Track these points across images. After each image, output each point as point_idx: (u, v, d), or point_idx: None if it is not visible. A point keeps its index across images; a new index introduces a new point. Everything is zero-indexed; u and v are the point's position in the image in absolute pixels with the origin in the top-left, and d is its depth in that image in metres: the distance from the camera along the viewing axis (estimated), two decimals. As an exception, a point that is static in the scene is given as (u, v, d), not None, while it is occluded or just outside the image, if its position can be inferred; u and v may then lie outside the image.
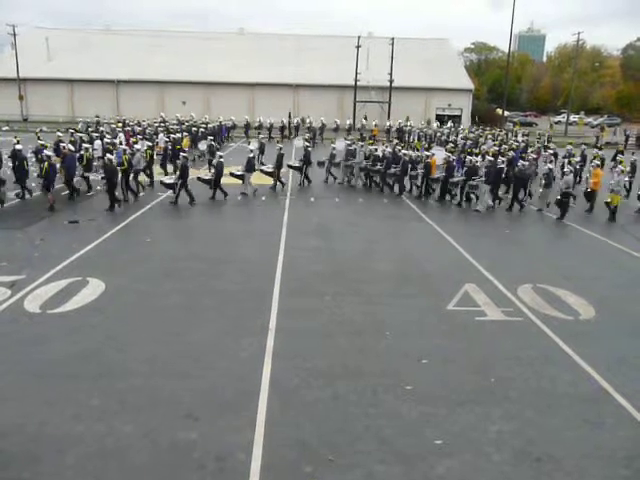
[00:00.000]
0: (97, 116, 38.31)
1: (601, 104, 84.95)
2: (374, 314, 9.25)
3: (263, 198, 19.33)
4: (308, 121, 39.91)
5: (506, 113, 57.02)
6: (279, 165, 20.65)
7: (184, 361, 7.49)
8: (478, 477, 5.41)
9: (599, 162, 20.33)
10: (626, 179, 19.91)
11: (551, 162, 20.70)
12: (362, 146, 23.12)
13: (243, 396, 6.65)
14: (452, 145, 26.66)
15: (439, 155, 20.61)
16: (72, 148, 18.59)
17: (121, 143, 21.32)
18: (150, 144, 21.78)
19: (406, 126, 39.01)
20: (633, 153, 25.10)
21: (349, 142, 23.36)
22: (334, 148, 22.89)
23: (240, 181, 19.65)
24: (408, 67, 52.83)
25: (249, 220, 16.51)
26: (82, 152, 19.17)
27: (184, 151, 20.98)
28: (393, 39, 49.68)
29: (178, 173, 17.78)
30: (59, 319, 8.70)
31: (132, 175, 18.43)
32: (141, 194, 18.93)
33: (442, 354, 7.89)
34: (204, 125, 33.59)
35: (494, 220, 17.28)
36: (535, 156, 22.01)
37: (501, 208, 18.49)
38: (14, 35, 50.76)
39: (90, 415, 6.19)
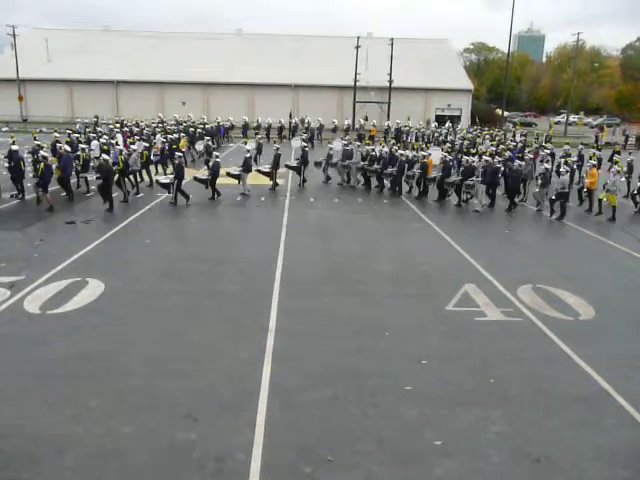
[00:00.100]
0: (96, 116, 38.35)
1: (601, 104, 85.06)
2: (374, 314, 9.25)
3: (262, 198, 19.33)
4: (306, 121, 39.91)
5: (506, 113, 57.01)
6: (276, 165, 20.66)
7: (184, 361, 7.49)
8: (477, 478, 5.41)
9: (595, 162, 20.33)
10: (622, 179, 19.93)
11: (547, 162, 20.71)
12: (359, 146, 23.12)
13: (243, 396, 6.64)
14: (449, 145, 26.67)
15: (435, 155, 20.61)
16: (68, 149, 18.57)
17: (117, 144, 21.29)
18: (147, 145, 21.78)
19: (405, 126, 39.02)
20: (630, 153, 25.13)
21: (346, 142, 23.35)
22: (331, 148, 22.89)
23: (236, 181, 19.65)
24: (408, 67, 52.87)
25: (249, 220, 16.51)
26: (79, 152, 19.16)
27: (180, 151, 21.01)
28: (392, 39, 49.69)
29: (174, 173, 17.82)
30: (59, 320, 8.70)
31: (131, 175, 18.45)
32: (140, 195, 18.94)
33: (442, 354, 7.89)
34: (202, 126, 33.61)
35: (493, 220, 17.29)
36: (532, 156, 22.02)
37: (500, 208, 18.48)
38: (14, 36, 50.79)
39: (89, 416, 6.18)
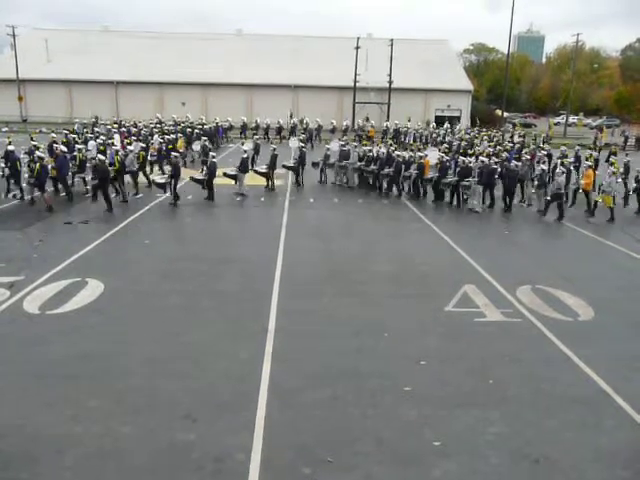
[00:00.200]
0: (96, 117, 38.37)
1: (600, 105, 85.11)
2: (373, 315, 9.25)
3: (262, 199, 19.35)
4: (305, 122, 39.91)
5: (505, 114, 57.05)
6: (273, 166, 20.66)
7: (183, 362, 7.49)
8: (476, 479, 5.41)
9: (591, 163, 20.36)
10: (619, 180, 19.96)
11: (544, 163, 20.72)
12: (356, 147, 23.13)
13: (242, 397, 6.65)
14: (446, 146, 26.67)
15: (432, 156, 20.62)
16: (64, 149, 18.56)
17: (113, 144, 21.29)
18: (143, 145, 21.77)
19: (403, 127, 39.05)
20: (627, 154, 25.13)
21: (343, 143, 23.36)
22: (328, 149, 22.89)
23: (233, 181, 19.65)
24: (407, 68, 52.87)
25: (248, 221, 16.52)
26: (75, 153, 19.15)
27: (177, 151, 21.00)
28: (392, 40, 49.68)
29: (169, 173, 17.83)
30: (58, 320, 8.70)
31: (128, 175, 18.45)
32: (139, 195, 18.94)
33: (441, 355, 7.89)
34: (200, 126, 33.61)
35: (493, 221, 17.30)
36: (529, 157, 22.03)
37: (499, 209, 18.47)
38: (14, 36, 50.78)
39: (89, 416, 6.18)
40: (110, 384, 6.87)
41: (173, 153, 18.86)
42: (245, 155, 19.95)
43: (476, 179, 18.16)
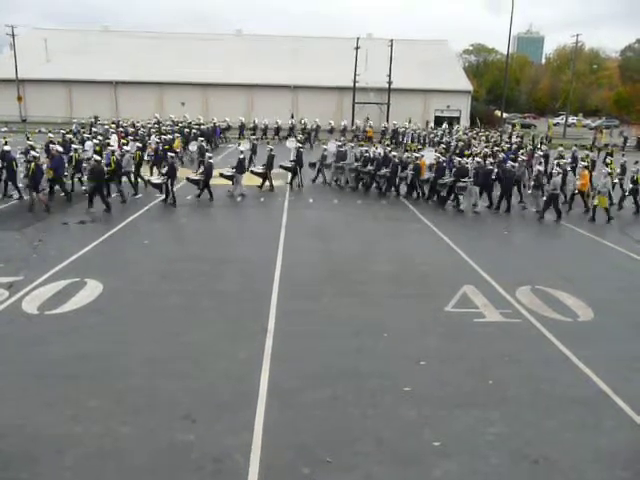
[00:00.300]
0: (95, 117, 38.34)
1: (599, 106, 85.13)
2: (373, 315, 9.25)
3: (262, 199, 19.34)
4: (303, 122, 39.92)
5: (505, 115, 57.06)
6: (269, 166, 20.66)
7: (183, 362, 7.49)
8: (476, 479, 5.41)
9: (586, 163, 20.38)
10: (616, 180, 20.00)
11: (540, 164, 20.73)
12: (352, 147, 23.13)
13: (241, 397, 6.64)
14: (443, 147, 26.68)
15: (429, 156, 20.62)
16: (60, 149, 18.54)
17: (109, 144, 21.24)
18: (140, 145, 21.77)
19: (404, 128, 39.05)
20: (623, 155, 25.16)
21: (340, 143, 23.34)
22: (325, 149, 22.90)
23: (230, 182, 19.65)
24: (407, 68, 52.88)
25: (248, 221, 16.52)
26: (71, 153, 19.14)
27: (173, 151, 20.99)
28: (392, 40, 49.67)
29: (165, 172, 17.83)
30: (57, 320, 8.69)
31: (124, 176, 18.44)
32: (138, 196, 18.93)
33: (440, 355, 7.90)
34: (197, 126, 33.58)
35: (492, 222, 17.30)
36: (525, 158, 22.06)
37: (497, 209, 18.48)
38: (13, 36, 50.78)
39: (89, 416, 6.18)
40: (110, 384, 6.86)
41: (169, 153, 18.86)
42: (242, 155, 19.95)
43: (472, 180, 18.15)
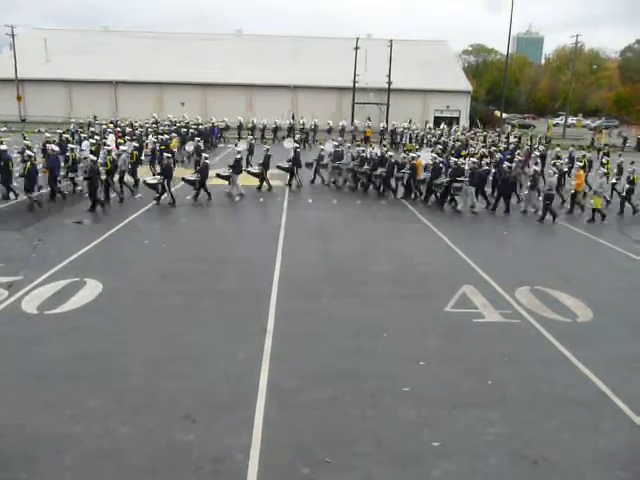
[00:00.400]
0: (95, 117, 38.34)
1: (599, 106, 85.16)
2: (372, 315, 9.25)
3: (261, 199, 19.34)
4: (301, 122, 39.91)
5: (504, 115, 57.09)
6: (266, 166, 20.65)
7: (183, 362, 7.49)
8: (475, 479, 5.41)
9: (581, 163, 20.41)
10: (614, 180, 20.03)
11: (536, 164, 20.74)
12: (349, 147, 23.13)
13: (241, 397, 6.64)
14: (440, 147, 26.68)
15: (425, 157, 20.62)
16: (56, 149, 18.53)
17: (105, 144, 21.24)
18: (136, 145, 21.75)
19: (402, 128, 39.04)
20: (620, 155, 25.20)
21: (336, 143, 23.34)
22: (322, 149, 22.91)
23: (227, 182, 19.65)
24: (406, 69, 52.90)
25: (248, 221, 16.52)
26: (68, 153, 19.14)
27: (169, 152, 20.99)
28: (392, 41, 49.68)
29: (160, 172, 17.84)
30: (57, 320, 8.69)
31: (117, 176, 18.42)
32: (138, 195, 18.93)
33: (440, 356, 7.90)
34: (195, 126, 33.56)
35: (492, 222, 17.31)
36: (521, 158, 22.09)
37: (499, 210, 18.48)
38: (12, 36, 50.76)
39: (88, 416, 6.18)
40: (109, 384, 6.86)
41: (166, 154, 18.87)
42: (239, 155, 19.95)
43: (467, 180, 18.16)
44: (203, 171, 18.40)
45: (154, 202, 17.59)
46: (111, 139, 24.22)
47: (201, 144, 25.34)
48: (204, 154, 20.19)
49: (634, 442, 6.08)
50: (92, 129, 30.26)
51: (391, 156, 20.57)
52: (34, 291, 9.81)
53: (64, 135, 23.65)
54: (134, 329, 8.51)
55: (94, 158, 16.79)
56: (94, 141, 22.08)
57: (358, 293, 10.31)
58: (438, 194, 19.25)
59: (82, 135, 26.02)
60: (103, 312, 9.04)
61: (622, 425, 6.35)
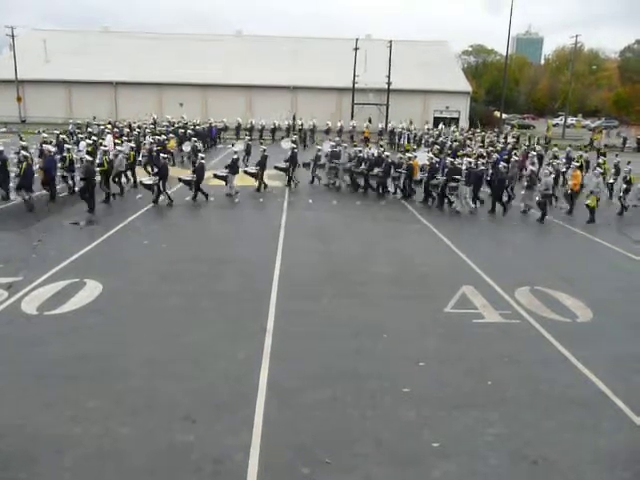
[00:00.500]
0: (94, 117, 38.35)
1: (599, 107, 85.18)
2: (372, 316, 9.25)
3: (261, 200, 19.34)
4: (300, 123, 39.90)
5: (504, 115, 57.12)
6: (262, 167, 20.66)
7: (183, 362, 7.49)
8: None
9: (578, 163, 20.44)
10: (611, 180, 20.04)
11: (533, 164, 20.76)
12: (345, 148, 23.15)
13: (241, 398, 6.64)
14: (438, 147, 26.73)
15: (422, 157, 20.62)
16: (52, 149, 18.51)
17: (101, 144, 21.24)
18: (133, 145, 21.77)
19: (400, 128, 39.06)
20: (617, 155, 25.23)
21: (334, 144, 23.36)
22: (319, 150, 22.91)
23: (224, 182, 19.64)
24: (406, 69, 52.94)
25: (247, 222, 16.50)
26: (65, 153, 19.14)
27: (166, 152, 20.98)
28: (391, 41, 49.72)
29: (156, 173, 17.84)
30: (56, 321, 8.69)
31: (112, 176, 18.43)
32: (139, 196, 18.92)
33: (439, 356, 7.90)
34: (192, 126, 33.57)
35: (491, 222, 17.32)
36: (517, 158, 22.11)
37: (498, 211, 18.49)
38: (12, 37, 50.75)
39: (88, 416, 6.18)
40: (109, 385, 6.86)
41: (162, 154, 18.88)
42: (236, 156, 19.93)
43: (463, 180, 18.16)
44: (199, 171, 18.40)
45: (152, 203, 17.59)
46: (109, 140, 24.21)
47: (198, 144, 25.34)
48: (200, 154, 20.18)
49: (634, 442, 6.09)
50: (90, 130, 30.25)
51: (387, 156, 20.60)
52: (34, 292, 9.81)
53: (61, 136, 23.65)
54: (134, 330, 8.51)
55: (90, 159, 16.78)
56: (91, 142, 22.08)
57: (358, 294, 10.31)
58: (435, 194, 19.27)
59: (79, 136, 25.99)
60: (103, 313, 9.04)
61: (622, 425, 6.36)
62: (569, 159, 23.41)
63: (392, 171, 20.20)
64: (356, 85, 50.73)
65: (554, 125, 57.00)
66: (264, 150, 21.04)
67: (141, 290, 10.21)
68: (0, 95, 50.96)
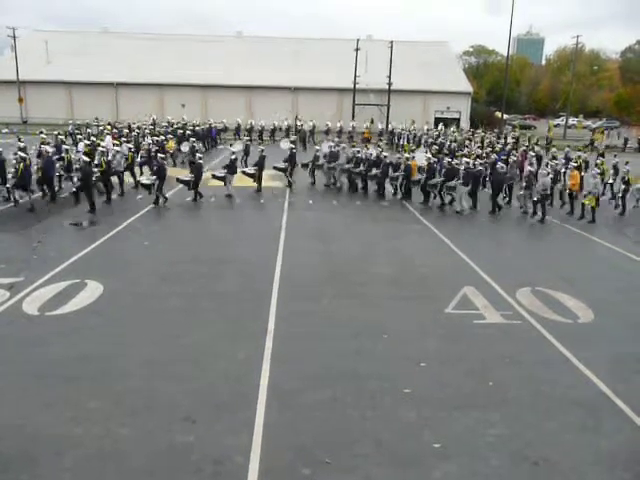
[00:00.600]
0: (96, 118, 38.39)
1: (600, 107, 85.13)
2: (372, 317, 9.24)
3: (262, 201, 19.34)
4: (299, 124, 39.91)
5: (505, 116, 57.09)
6: (260, 167, 20.65)
7: (183, 363, 7.49)
8: (476, 480, 5.41)
9: (576, 164, 20.42)
10: (610, 181, 20.00)
11: (531, 165, 20.76)
12: (344, 148, 23.16)
13: (241, 399, 6.64)
14: (436, 147, 26.73)
15: (420, 157, 20.61)
16: (49, 150, 18.51)
17: (99, 145, 21.24)
18: (130, 146, 21.75)
19: (400, 129, 39.07)
20: (615, 155, 25.23)
21: (332, 144, 23.36)
22: (318, 150, 22.90)
23: (222, 183, 19.63)
24: (407, 70, 52.95)
25: (248, 222, 16.50)
26: (63, 154, 19.13)
27: (164, 152, 20.96)
28: (392, 42, 49.74)
29: (154, 173, 17.85)
30: (57, 321, 8.69)
31: (114, 176, 18.45)
32: (139, 197, 18.92)
33: (440, 357, 7.89)
34: (191, 127, 33.60)
35: (492, 223, 17.30)
36: (515, 158, 22.09)
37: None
38: (14, 38, 50.78)
39: (88, 417, 6.18)
40: (109, 385, 6.86)
41: (160, 155, 18.89)
42: (234, 156, 19.93)
43: (461, 180, 18.14)
44: (197, 171, 18.40)
45: (153, 204, 17.59)
46: (108, 140, 24.23)
47: (197, 145, 25.32)
48: (198, 154, 20.20)
49: (635, 443, 6.07)
50: (89, 130, 30.27)
51: (386, 157, 20.60)
52: (35, 292, 9.81)
53: (59, 136, 23.67)
54: (134, 330, 8.51)
55: (87, 159, 16.78)
56: (88, 142, 22.08)
57: (358, 294, 10.30)
58: (432, 195, 19.26)
59: (78, 137, 26.00)
60: (104, 314, 9.03)
61: (623, 426, 6.34)
62: (567, 159, 23.40)
63: (390, 172, 20.19)
64: (357, 86, 50.74)
65: (555, 126, 56.94)
66: (262, 151, 21.04)
67: (142, 291, 10.21)
68: (2, 96, 51.09)
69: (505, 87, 53.93)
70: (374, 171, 20.41)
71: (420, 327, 8.91)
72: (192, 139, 26.24)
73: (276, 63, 55.63)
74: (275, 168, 22.00)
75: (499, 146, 27.92)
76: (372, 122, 44.38)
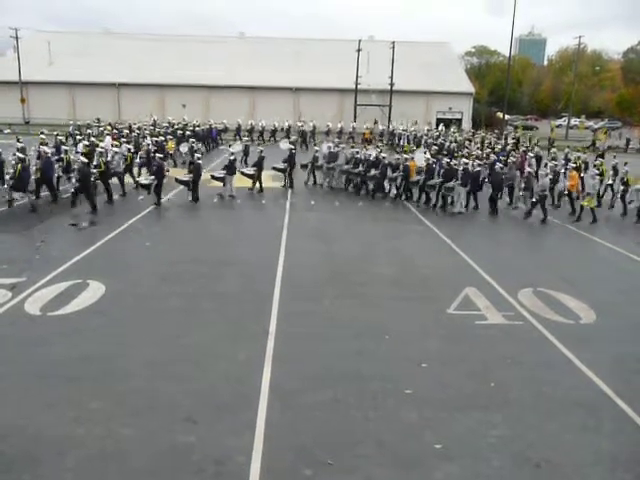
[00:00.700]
0: (97, 119, 38.45)
1: (602, 108, 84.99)
2: (374, 317, 9.24)
3: (263, 201, 19.35)
4: (300, 124, 39.92)
5: (507, 116, 57.06)
6: (259, 167, 20.65)
7: (184, 364, 7.49)
8: (478, 481, 5.40)
9: (574, 164, 20.41)
10: (610, 182, 19.99)
11: (530, 165, 20.76)
12: (343, 149, 23.16)
13: (242, 399, 6.64)
14: (436, 148, 26.71)
15: (419, 158, 20.61)
16: (48, 151, 18.54)
17: (97, 145, 21.28)
18: (129, 147, 21.78)
19: (404, 130, 39.06)
20: (614, 156, 25.22)
21: (331, 145, 23.36)
22: (317, 151, 22.89)
23: (221, 183, 19.64)
24: (409, 70, 52.90)
25: (249, 223, 16.52)
26: (62, 155, 19.14)
27: (163, 153, 20.98)
28: (394, 42, 49.74)
29: (153, 173, 17.86)
30: (59, 321, 8.71)
31: (113, 177, 18.46)
32: (140, 197, 18.94)
33: (442, 358, 7.88)
34: (191, 128, 33.60)
35: (493, 223, 17.29)
36: (514, 159, 22.07)
37: (501, 212, 18.46)
38: (16, 39, 50.87)
39: (90, 417, 6.18)
40: (111, 386, 6.87)
41: (158, 155, 18.91)
42: (232, 157, 19.96)
43: (459, 181, 18.13)
44: (195, 171, 18.41)
45: (154, 205, 17.61)
46: (107, 141, 24.25)
47: (196, 145, 25.32)
48: (196, 154, 20.21)
49: (637, 444, 6.07)
50: (89, 131, 30.29)
51: (384, 157, 20.59)
52: (37, 292, 9.83)
53: (58, 137, 23.70)
54: (136, 331, 8.52)
55: (85, 160, 16.80)
56: (87, 143, 22.10)
57: (360, 295, 10.30)
58: (432, 195, 19.26)
59: (78, 137, 26.02)
60: (106, 314, 9.05)
61: (625, 427, 6.33)
62: (567, 160, 23.40)
63: (389, 172, 20.18)
64: (359, 86, 50.74)
65: (557, 126, 56.85)
66: (261, 151, 21.05)
67: (144, 291, 10.22)
68: (4, 96, 51.15)
69: (507, 88, 53.91)
70: (373, 172, 20.41)
71: (422, 328, 8.91)
72: (191, 140, 26.24)
73: (278, 64, 55.65)
74: (274, 169, 22.01)
75: (499, 147, 27.91)
76: (375, 123, 44.31)
